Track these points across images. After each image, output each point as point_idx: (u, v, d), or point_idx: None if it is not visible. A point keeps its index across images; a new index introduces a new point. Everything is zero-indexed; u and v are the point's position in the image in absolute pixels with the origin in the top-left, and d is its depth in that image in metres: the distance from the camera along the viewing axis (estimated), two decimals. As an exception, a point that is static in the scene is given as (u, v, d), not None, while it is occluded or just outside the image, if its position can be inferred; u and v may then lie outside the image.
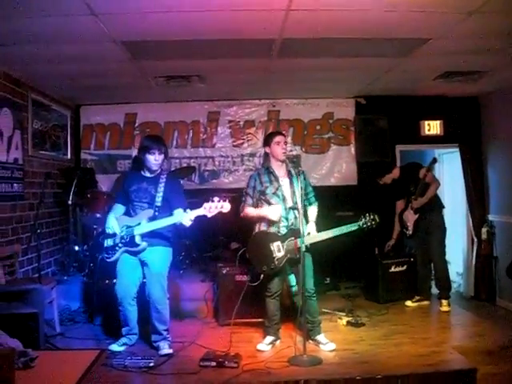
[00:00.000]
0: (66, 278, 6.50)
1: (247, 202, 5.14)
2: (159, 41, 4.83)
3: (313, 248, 5.01)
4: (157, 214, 4.71)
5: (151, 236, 4.74)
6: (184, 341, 5.12)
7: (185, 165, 7.99)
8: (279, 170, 5.09)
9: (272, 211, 4.93)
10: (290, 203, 4.98)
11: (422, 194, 6.55)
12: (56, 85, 6.46)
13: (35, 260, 5.88)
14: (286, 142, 5.14)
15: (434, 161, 6.64)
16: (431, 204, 6.60)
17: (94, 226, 6.50)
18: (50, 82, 6.31)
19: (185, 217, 4.60)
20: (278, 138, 5.10)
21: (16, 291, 4.83)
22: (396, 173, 6.89)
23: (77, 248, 6.77)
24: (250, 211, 5.10)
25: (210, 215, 4.50)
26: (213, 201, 4.48)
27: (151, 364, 4.40)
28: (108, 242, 4.82)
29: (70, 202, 6.56)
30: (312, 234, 4.97)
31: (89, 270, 6.33)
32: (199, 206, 4.56)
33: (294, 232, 4.84)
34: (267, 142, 5.18)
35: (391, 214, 6.98)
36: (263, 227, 5.05)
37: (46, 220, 6.64)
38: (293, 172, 4.97)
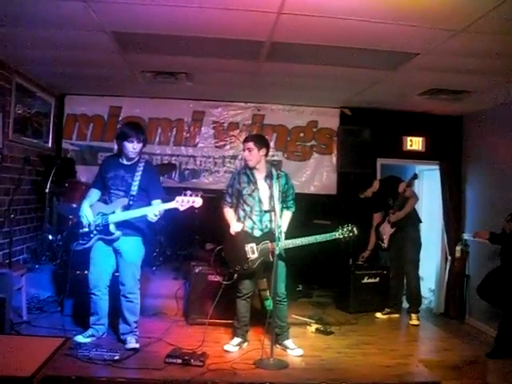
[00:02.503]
0: (37, 266, 6.40)
1: (226, 199, 5.17)
2: (148, 34, 4.81)
3: (287, 254, 4.99)
4: (131, 203, 4.67)
5: (125, 226, 4.70)
6: (151, 337, 5.07)
7: (166, 162, 7.96)
8: (259, 172, 5.08)
9: (233, 225, 5.01)
10: (266, 206, 4.97)
11: (400, 208, 6.58)
12: (42, 71, 6.39)
13: (7, 246, 5.79)
14: (249, 149, 4.97)
15: (415, 176, 6.70)
16: (408, 219, 6.63)
17: (70, 216, 6.43)
18: (36, 68, 6.24)
19: (151, 209, 4.55)
20: (243, 145, 5.14)
21: (-16, 275, 4.75)
22: (376, 186, 6.92)
23: (50, 237, 6.68)
24: (225, 212, 5.17)
25: (181, 209, 4.46)
26: (185, 194, 4.45)
27: (116, 357, 4.35)
28: (83, 229, 4.78)
29: (47, 190, 6.48)
30: (288, 240, 4.96)
31: (61, 260, 6.26)
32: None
33: (270, 235, 4.83)
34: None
35: (368, 225, 7.00)
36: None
37: (21, 206, 6.54)
38: (273, 174, 4.96)
